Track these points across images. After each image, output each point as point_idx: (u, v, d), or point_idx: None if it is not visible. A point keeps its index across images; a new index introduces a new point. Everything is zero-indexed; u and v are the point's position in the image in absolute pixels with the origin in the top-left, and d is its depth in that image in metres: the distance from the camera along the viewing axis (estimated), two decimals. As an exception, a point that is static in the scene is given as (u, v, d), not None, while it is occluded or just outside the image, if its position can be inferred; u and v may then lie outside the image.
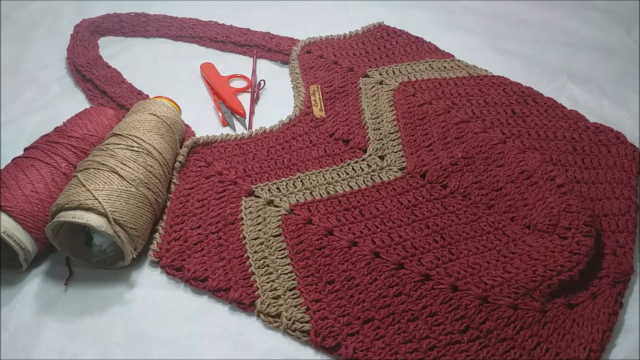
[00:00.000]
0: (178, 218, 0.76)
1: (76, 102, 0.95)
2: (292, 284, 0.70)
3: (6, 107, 0.95)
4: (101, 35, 1.09)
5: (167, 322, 0.68)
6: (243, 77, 1.01)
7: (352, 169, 0.83)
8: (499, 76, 0.97)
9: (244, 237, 0.74)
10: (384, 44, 1.05)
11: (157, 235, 0.75)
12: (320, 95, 0.94)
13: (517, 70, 1.00)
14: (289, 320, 0.67)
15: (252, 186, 0.79)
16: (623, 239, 0.73)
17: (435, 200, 0.79)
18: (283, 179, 0.81)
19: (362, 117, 0.90)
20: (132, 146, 0.75)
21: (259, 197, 0.78)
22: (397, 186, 0.81)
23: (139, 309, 0.69)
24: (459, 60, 1.01)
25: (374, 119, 0.90)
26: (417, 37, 1.06)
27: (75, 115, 0.85)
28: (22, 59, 1.06)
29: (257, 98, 0.98)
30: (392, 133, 0.88)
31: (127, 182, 0.71)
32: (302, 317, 0.67)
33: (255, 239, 0.74)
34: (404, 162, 0.84)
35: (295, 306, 0.68)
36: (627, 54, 1.06)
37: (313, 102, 0.93)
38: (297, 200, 0.78)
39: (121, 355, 0.65)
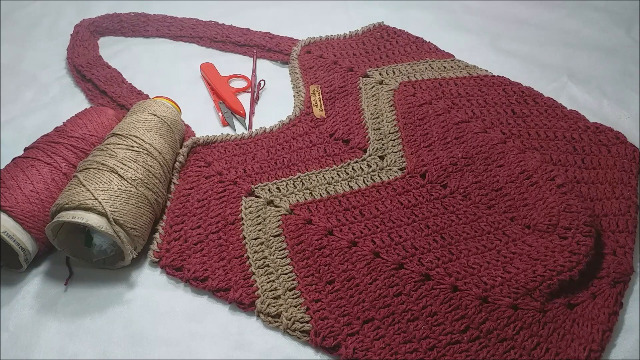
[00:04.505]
0: (178, 218, 0.76)
1: (76, 102, 0.96)
2: (292, 284, 0.70)
3: (6, 107, 0.95)
4: (101, 35, 1.09)
5: (167, 322, 0.68)
6: (243, 77, 1.01)
7: (352, 169, 0.83)
8: (499, 76, 0.97)
9: (244, 237, 0.74)
10: (384, 44, 1.05)
11: (157, 235, 0.75)
12: (320, 95, 0.94)
13: (517, 70, 1.00)
14: (289, 320, 0.67)
15: (252, 186, 0.79)
16: (623, 239, 0.73)
17: (435, 200, 0.79)
18: (283, 179, 0.81)
19: (362, 117, 0.90)
20: (132, 146, 0.75)
21: (259, 197, 0.78)
22: (397, 186, 0.81)
23: (139, 309, 0.69)
24: (459, 60, 1.01)
25: (374, 119, 0.90)
26: (417, 37, 1.06)
27: (75, 115, 0.85)
28: (22, 59, 1.06)
29: (257, 98, 0.98)
30: (392, 133, 0.88)
31: (127, 182, 0.71)
32: (302, 317, 0.67)
33: (255, 239, 0.74)
34: (404, 162, 0.84)
35: (295, 306, 0.68)
36: (627, 54, 1.06)
37: (313, 102, 0.93)
38: (297, 200, 0.78)
39: (121, 355, 0.65)
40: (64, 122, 0.83)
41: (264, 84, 0.99)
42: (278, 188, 0.80)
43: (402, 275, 0.69)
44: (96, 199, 0.68)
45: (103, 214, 0.68)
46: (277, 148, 0.86)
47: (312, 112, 0.92)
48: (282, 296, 0.69)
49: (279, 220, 0.76)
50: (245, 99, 0.97)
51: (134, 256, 0.70)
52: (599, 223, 0.75)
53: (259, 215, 0.76)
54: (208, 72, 1.00)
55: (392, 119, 0.90)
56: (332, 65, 1.00)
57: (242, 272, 0.71)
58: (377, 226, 0.75)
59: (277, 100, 0.97)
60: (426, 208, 0.78)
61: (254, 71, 1.01)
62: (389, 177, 0.82)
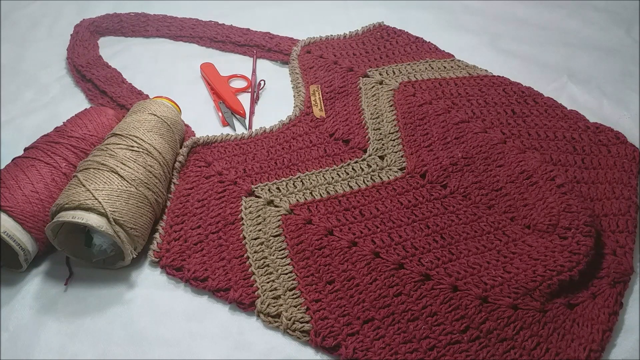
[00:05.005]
0: (178, 218, 0.76)
1: (76, 102, 0.95)
2: (292, 284, 0.70)
3: (6, 107, 0.95)
4: (101, 35, 1.09)
5: (167, 322, 0.68)
6: (243, 77, 1.01)
7: (352, 169, 0.83)
8: (499, 76, 0.97)
9: (244, 237, 0.74)
10: (384, 44, 1.05)
11: (157, 235, 0.75)
12: (320, 95, 0.94)
13: (517, 70, 1.00)
14: (289, 320, 0.67)
15: (252, 186, 0.79)
16: (623, 239, 0.73)
17: (435, 200, 0.79)
18: (283, 179, 0.81)
19: (362, 117, 0.90)
20: (132, 146, 0.75)
21: (259, 197, 0.78)
22: (397, 186, 0.81)
23: (139, 309, 0.69)
24: (459, 60, 1.01)
25: (374, 119, 0.90)
26: (417, 37, 1.06)
27: (75, 115, 0.85)
28: (22, 59, 1.06)
29: (257, 98, 0.98)
30: (392, 133, 0.88)
31: (127, 182, 0.71)
32: (302, 317, 0.67)
33: (255, 239, 0.74)
34: (404, 162, 0.84)
35: (295, 306, 0.68)
36: (627, 54, 1.06)
37: (313, 102, 0.93)
38: (297, 200, 0.78)
39: (121, 355, 0.65)
40: (64, 122, 0.83)
41: (264, 84, 0.99)
42: (278, 188, 0.80)
43: (402, 275, 0.69)
44: (96, 199, 0.68)
45: (103, 214, 0.68)
46: (277, 148, 0.86)
47: (312, 112, 0.92)
48: (282, 296, 0.69)
49: (279, 220, 0.76)
50: (245, 99, 0.97)
51: (134, 256, 0.70)
52: (599, 223, 0.75)
53: (259, 215, 0.76)
54: (208, 72, 1.00)
55: (392, 119, 0.90)
56: (332, 65, 1.00)
57: (242, 272, 0.71)
58: (377, 226, 0.75)
59: (277, 100, 0.97)
60: (426, 208, 0.78)
61: (254, 71, 1.01)
62: (389, 177, 0.82)
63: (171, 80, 1.00)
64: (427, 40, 1.05)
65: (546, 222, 0.73)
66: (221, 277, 0.70)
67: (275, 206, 0.77)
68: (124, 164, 0.73)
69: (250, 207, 0.77)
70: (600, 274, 0.70)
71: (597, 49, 1.07)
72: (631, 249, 0.72)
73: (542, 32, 1.12)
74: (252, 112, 0.95)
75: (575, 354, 0.63)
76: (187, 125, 0.89)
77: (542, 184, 0.77)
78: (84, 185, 0.70)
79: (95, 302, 0.69)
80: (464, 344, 0.64)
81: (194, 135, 0.88)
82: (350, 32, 1.07)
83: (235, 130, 0.92)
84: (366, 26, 1.08)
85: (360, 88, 0.95)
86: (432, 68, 0.99)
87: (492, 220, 0.76)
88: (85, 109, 0.87)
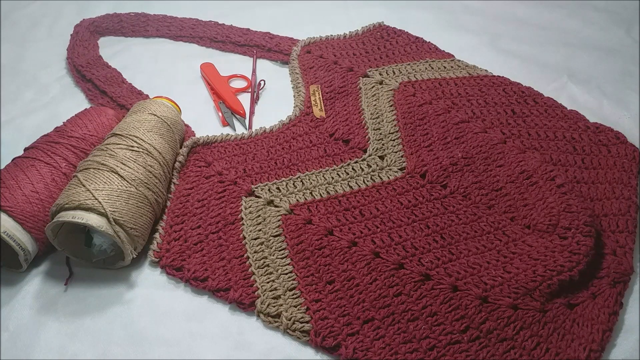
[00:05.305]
0: (178, 218, 0.76)
1: (76, 102, 0.95)
2: (292, 284, 0.70)
3: (6, 107, 0.95)
4: (101, 35, 1.09)
5: (167, 322, 0.68)
6: (243, 77, 1.01)
7: (352, 169, 0.83)
8: (499, 76, 0.97)
9: (244, 237, 0.74)
10: (384, 44, 1.05)
11: (157, 235, 0.75)
12: (320, 95, 0.94)
13: (517, 70, 1.00)
14: (289, 320, 0.67)
15: (252, 186, 0.79)
16: (623, 239, 0.73)
17: (435, 200, 0.79)
18: (283, 179, 0.81)
19: (362, 117, 0.90)
20: (132, 146, 0.75)
21: (259, 197, 0.78)
22: (397, 186, 0.81)
23: (139, 309, 0.69)
24: (459, 60, 1.01)
25: (374, 119, 0.90)
26: (417, 37, 1.06)
27: (75, 115, 0.85)
28: (22, 59, 1.06)
29: (257, 98, 0.98)
30: (392, 133, 0.88)
31: (127, 182, 0.71)
32: (302, 317, 0.67)
33: (255, 239, 0.74)
34: (404, 162, 0.84)
35: (295, 306, 0.68)
36: (627, 54, 1.06)
37: (313, 102, 0.93)
38: (297, 200, 0.78)
39: (121, 355, 0.65)
40: (64, 122, 0.83)
41: (264, 84, 0.99)
42: (278, 188, 0.80)
43: (402, 275, 0.69)
44: (96, 199, 0.68)
45: (103, 214, 0.68)
46: (277, 148, 0.86)
47: (312, 112, 0.92)
48: (282, 296, 0.69)
49: (279, 220, 0.76)
50: (245, 99, 0.97)
51: (134, 256, 0.70)
52: (599, 223, 0.75)
53: (259, 215, 0.76)
54: (208, 72, 1.00)
55: (392, 119, 0.90)
56: (332, 65, 1.00)
57: (242, 272, 0.71)
58: (377, 226, 0.75)
59: (277, 100, 0.97)
60: (426, 208, 0.78)
61: (254, 71, 1.01)
62: (389, 177, 0.82)
63: (171, 80, 1.00)
64: (427, 40, 1.05)
65: (546, 222, 0.73)
66: (221, 277, 0.70)
67: (275, 206, 0.77)
68: (124, 164, 0.73)
69: (250, 207, 0.77)
70: (600, 274, 0.70)
71: (597, 49, 1.07)
72: (631, 249, 0.72)
73: (542, 32, 1.12)
74: (252, 112, 0.95)
75: (575, 354, 0.63)
76: (187, 125, 0.89)
77: (542, 184, 0.77)
78: (84, 185, 0.70)
79: (95, 302, 0.69)
80: (464, 344, 0.64)
81: (194, 135, 0.88)
82: (350, 32, 1.07)
83: (235, 130, 0.92)
84: (366, 26, 1.08)
85: (360, 88, 0.95)
86: (432, 68, 0.99)
87: (492, 220, 0.76)
88: (85, 109, 0.87)
